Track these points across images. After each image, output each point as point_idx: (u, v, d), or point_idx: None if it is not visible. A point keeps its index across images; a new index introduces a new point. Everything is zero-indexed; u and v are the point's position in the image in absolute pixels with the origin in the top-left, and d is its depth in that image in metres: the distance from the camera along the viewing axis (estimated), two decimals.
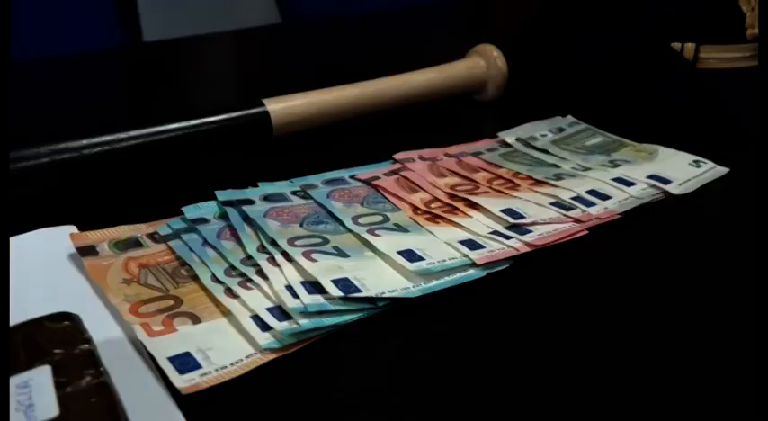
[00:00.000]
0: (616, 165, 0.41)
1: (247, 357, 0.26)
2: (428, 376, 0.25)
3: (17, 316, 0.26)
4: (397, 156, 0.42)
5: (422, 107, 0.50)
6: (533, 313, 0.29)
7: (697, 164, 0.41)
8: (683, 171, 0.40)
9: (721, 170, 0.41)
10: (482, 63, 0.52)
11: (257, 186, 0.38)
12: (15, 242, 0.34)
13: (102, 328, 0.27)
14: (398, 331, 0.28)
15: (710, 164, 0.41)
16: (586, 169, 0.41)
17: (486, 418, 0.24)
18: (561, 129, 0.47)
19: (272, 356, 0.26)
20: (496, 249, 0.32)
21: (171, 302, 0.29)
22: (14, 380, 0.21)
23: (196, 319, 0.28)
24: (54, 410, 0.20)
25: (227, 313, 0.28)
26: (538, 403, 0.24)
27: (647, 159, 0.42)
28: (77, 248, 0.32)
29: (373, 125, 0.47)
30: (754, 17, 0.48)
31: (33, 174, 0.37)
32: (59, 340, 0.23)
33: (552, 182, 0.39)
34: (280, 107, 0.44)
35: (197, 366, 0.25)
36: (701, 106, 0.46)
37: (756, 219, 0.33)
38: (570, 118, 0.48)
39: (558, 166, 0.41)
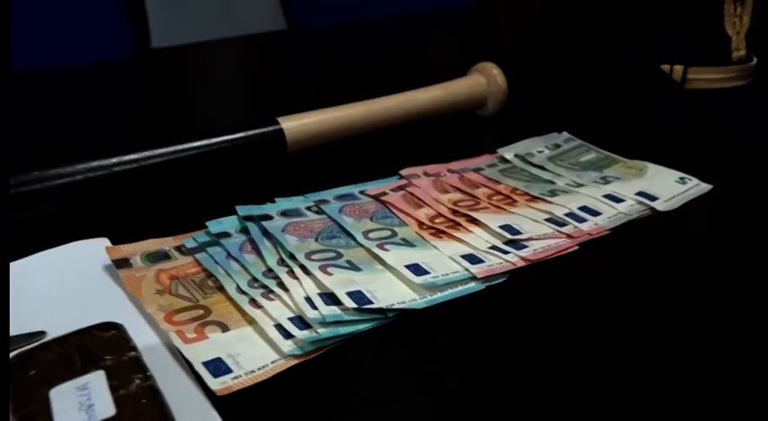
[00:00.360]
0: (607, 182, 0.44)
1: (273, 362, 0.29)
2: (432, 382, 0.29)
3: (64, 323, 0.29)
4: (404, 172, 0.45)
5: (426, 122, 0.53)
6: (528, 324, 0.32)
7: (683, 181, 0.44)
8: (669, 188, 0.43)
9: (705, 187, 0.44)
10: (483, 80, 0.55)
11: (274, 202, 0.41)
12: (54, 253, 0.37)
13: (141, 336, 0.30)
14: (405, 340, 0.31)
15: (695, 181, 0.44)
16: (579, 185, 0.44)
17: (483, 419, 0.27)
18: (557, 146, 0.50)
19: (294, 362, 0.29)
20: (495, 263, 0.35)
21: (201, 312, 0.32)
22: (74, 383, 0.24)
23: (225, 328, 0.31)
24: (111, 410, 0.23)
25: (252, 322, 0.31)
26: (534, 408, 0.27)
27: (637, 175, 0.45)
28: (113, 261, 0.35)
29: (380, 140, 0.51)
30: (740, 40, 0.51)
31: (68, 191, 0.40)
32: (109, 348, 0.26)
33: (547, 198, 0.42)
34: (294, 125, 0.47)
35: (228, 370, 0.28)
36: (688, 124, 0.49)
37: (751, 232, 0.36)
38: (566, 134, 0.51)
39: (553, 183, 0.44)
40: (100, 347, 0.26)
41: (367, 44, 0.83)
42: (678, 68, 0.50)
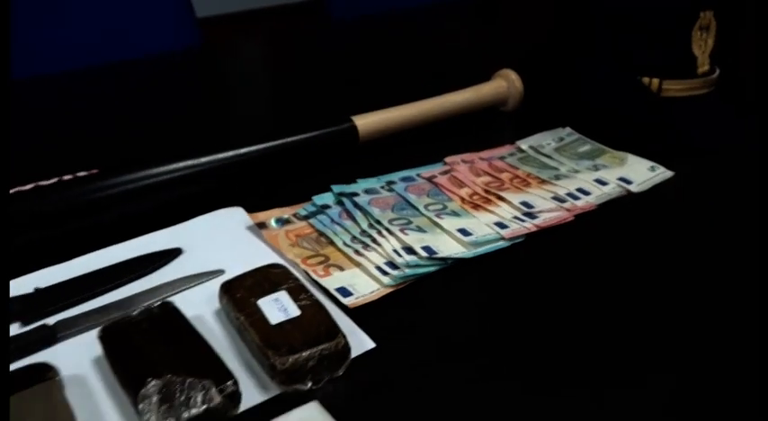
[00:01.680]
0: (597, 169, 0.60)
1: (377, 290, 0.45)
2: (476, 304, 0.45)
3: (234, 264, 0.46)
4: (447, 159, 0.61)
5: (461, 117, 0.68)
6: (539, 270, 0.49)
7: (653, 169, 0.60)
8: (642, 174, 0.59)
9: (669, 174, 0.60)
10: (504, 84, 0.71)
11: (356, 182, 0.57)
12: (209, 217, 0.54)
13: None
14: (459, 277, 0.47)
15: (662, 169, 0.60)
16: (577, 172, 0.60)
17: (505, 332, 0.43)
18: (561, 139, 0.65)
19: (390, 289, 0.45)
20: (516, 228, 0.51)
21: (322, 258, 0.48)
22: (270, 297, 0.41)
23: (341, 268, 0.47)
24: (297, 312, 0.40)
25: (358, 265, 0.47)
26: (542, 319, 0.44)
27: (619, 164, 0.61)
28: (256, 223, 0.51)
29: (427, 132, 0.66)
30: (705, 58, 0.66)
31: (214, 174, 0.56)
32: (281, 278, 0.43)
33: (553, 181, 0.58)
34: (363, 122, 0.63)
35: (350, 294, 0.44)
36: (661, 124, 0.65)
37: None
38: (568, 129, 0.67)
39: (557, 169, 0.60)
40: (276, 278, 0.43)
41: (398, 35, 0.98)
42: (655, 81, 0.65)
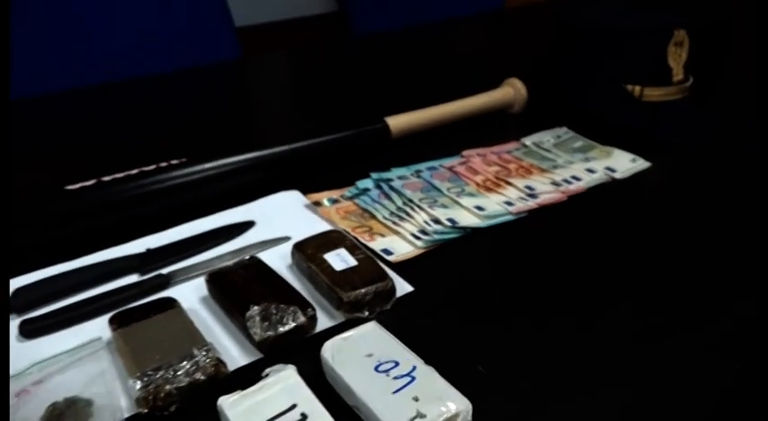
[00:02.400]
0: (588, 161, 0.73)
1: (412, 250, 0.58)
2: (490, 261, 0.58)
3: (297, 233, 0.58)
4: (464, 152, 0.74)
5: (476, 118, 0.81)
6: (538, 238, 0.61)
7: (634, 160, 0.73)
8: (625, 164, 0.72)
9: (647, 164, 0.72)
10: (511, 91, 0.83)
11: (390, 170, 0.70)
12: (273, 197, 0.67)
13: None
14: (475, 242, 0.60)
15: (642, 160, 0.73)
16: (571, 163, 0.72)
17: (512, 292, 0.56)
18: (559, 136, 0.78)
19: (422, 251, 0.58)
20: (521, 206, 0.64)
21: (367, 228, 0.61)
22: (333, 253, 0.54)
23: (382, 235, 0.60)
24: (354, 263, 0.52)
25: (396, 233, 0.60)
26: (540, 281, 0.56)
27: (606, 157, 0.74)
28: (313, 202, 0.65)
29: (448, 130, 0.79)
30: (679, 69, 0.79)
31: (276, 164, 0.69)
32: (340, 239, 0.56)
33: (551, 170, 0.71)
34: (395, 122, 0.76)
35: (392, 253, 0.57)
36: (643, 124, 0.78)
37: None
38: (565, 128, 0.80)
39: (555, 161, 0.73)
40: (335, 239, 0.56)
41: (417, 47, 1.11)
42: (637, 88, 0.78)
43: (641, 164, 0.72)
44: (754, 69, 1.03)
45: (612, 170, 0.71)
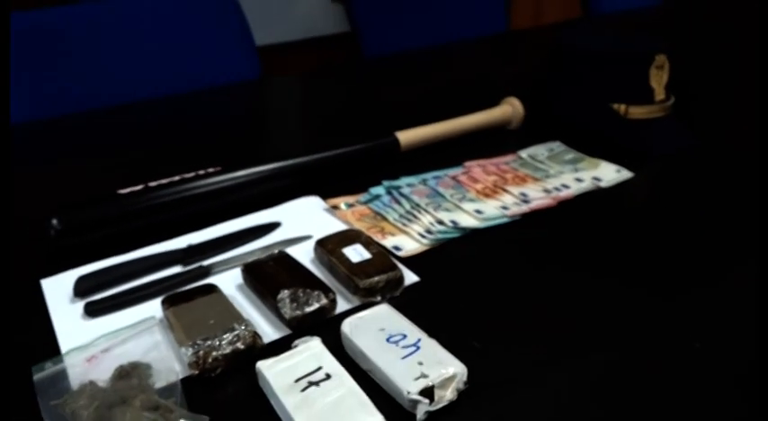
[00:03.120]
0: (577, 171, 0.81)
1: (419, 247, 0.66)
2: (488, 255, 0.66)
3: (318, 232, 0.67)
4: (466, 163, 0.82)
5: (477, 133, 0.90)
6: (530, 238, 0.69)
7: (618, 171, 0.81)
8: (610, 174, 0.80)
9: (630, 174, 0.81)
10: (510, 109, 0.92)
11: (399, 178, 0.78)
12: (296, 202, 0.75)
13: None
14: (474, 241, 0.68)
15: (626, 171, 0.81)
16: (562, 173, 0.81)
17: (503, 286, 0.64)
18: (552, 149, 0.87)
19: (427, 247, 0.66)
20: (515, 210, 0.73)
21: (380, 228, 0.70)
22: (350, 248, 0.62)
23: (393, 235, 0.69)
24: (369, 256, 0.61)
25: (405, 232, 0.69)
26: (529, 273, 0.65)
27: (594, 168, 0.82)
28: (331, 206, 0.73)
29: (451, 144, 0.88)
30: (661, 89, 0.87)
31: (294, 173, 0.78)
32: (356, 236, 0.64)
33: (544, 179, 0.79)
34: (404, 136, 0.85)
35: (401, 249, 0.66)
36: (626, 139, 0.86)
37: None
38: (558, 142, 0.88)
39: (547, 171, 0.81)
40: (352, 236, 0.64)
41: (424, 68, 1.21)
42: (623, 106, 0.86)
43: (625, 174, 0.81)
44: (735, 85, 1.11)
45: (599, 179, 0.79)
